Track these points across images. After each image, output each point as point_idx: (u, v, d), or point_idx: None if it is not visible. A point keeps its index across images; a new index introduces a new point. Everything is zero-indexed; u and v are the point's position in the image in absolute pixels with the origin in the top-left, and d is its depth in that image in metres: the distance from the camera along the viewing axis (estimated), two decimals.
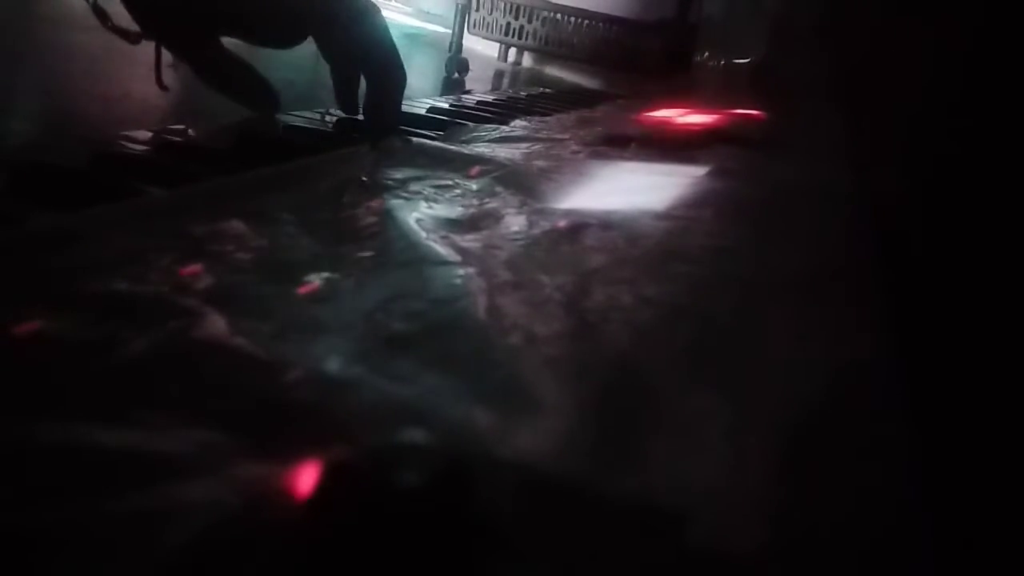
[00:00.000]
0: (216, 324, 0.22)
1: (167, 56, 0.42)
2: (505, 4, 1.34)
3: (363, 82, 0.46)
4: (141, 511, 0.15)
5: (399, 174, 0.39)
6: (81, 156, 0.35)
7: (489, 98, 0.74)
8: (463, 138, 0.51)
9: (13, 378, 0.19)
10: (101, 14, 0.39)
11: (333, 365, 0.21)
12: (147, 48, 0.42)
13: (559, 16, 1.29)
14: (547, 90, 0.94)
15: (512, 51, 1.48)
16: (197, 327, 0.22)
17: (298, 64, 0.44)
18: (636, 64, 1.22)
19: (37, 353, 0.20)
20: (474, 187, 0.39)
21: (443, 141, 0.48)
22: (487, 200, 0.37)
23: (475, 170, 0.41)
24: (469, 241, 0.31)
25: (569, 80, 1.35)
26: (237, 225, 0.29)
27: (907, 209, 0.45)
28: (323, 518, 0.16)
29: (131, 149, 0.39)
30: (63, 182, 0.32)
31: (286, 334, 0.22)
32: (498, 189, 0.39)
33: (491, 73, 1.39)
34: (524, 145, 0.51)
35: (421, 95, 0.71)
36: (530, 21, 1.33)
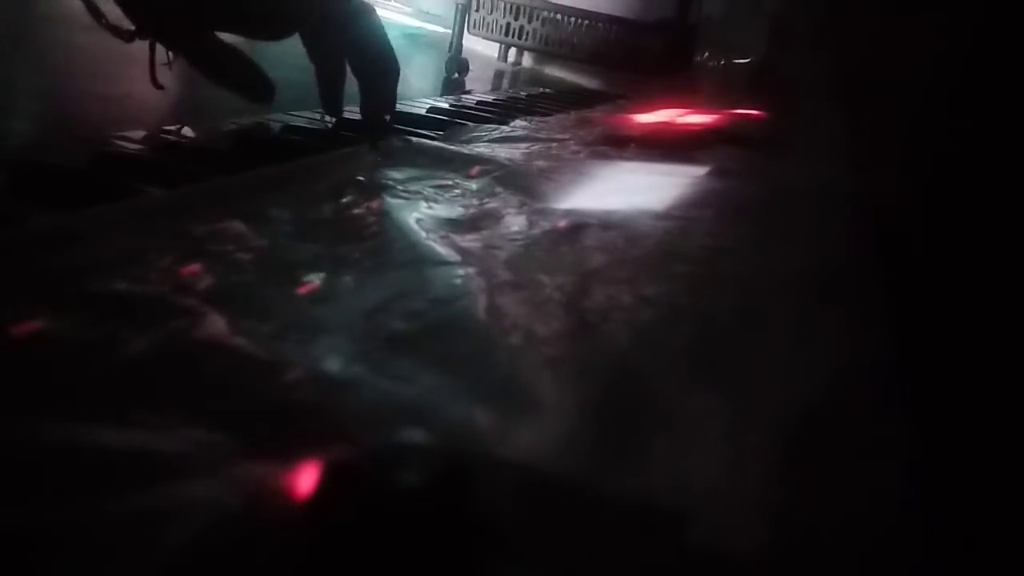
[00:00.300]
0: (216, 324, 0.22)
1: (161, 55, 0.42)
2: (505, 4, 1.34)
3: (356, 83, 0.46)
4: (141, 511, 0.15)
5: (399, 174, 0.39)
6: (81, 156, 0.35)
7: (489, 98, 0.74)
8: (463, 138, 0.51)
9: (13, 378, 0.19)
10: (95, 12, 0.39)
11: (333, 365, 0.21)
12: (147, 48, 0.42)
13: (559, 16, 1.29)
14: (547, 90, 0.94)
15: (512, 51, 1.48)
16: (197, 327, 0.22)
17: (299, 64, 0.44)
18: (636, 64, 1.21)
19: (37, 353, 0.20)
20: (474, 187, 0.39)
21: (443, 141, 0.48)
22: (487, 200, 0.37)
23: (475, 170, 0.41)
24: (469, 241, 0.31)
25: (569, 80, 1.35)
26: (237, 225, 0.29)
27: (907, 209, 0.45)
28: (323, 518, 0.16)
29: (131, 149, 0.39)
30: (63, 182, 0.32)
31: (286, 334, 0.22)
32: (498, 189, 0.39)
33: (491, 73, 1.39)
34: (524, 145, 0.51)
35: (421, 95, 0.71)
36: (530, 21, 1.32)
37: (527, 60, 1.51)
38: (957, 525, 0.20)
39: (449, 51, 1.21)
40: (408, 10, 1.72)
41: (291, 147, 0.42)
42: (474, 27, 1.38)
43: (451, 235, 0.32)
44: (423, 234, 0.31)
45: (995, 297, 0.31)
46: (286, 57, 0.46)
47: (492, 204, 0.37)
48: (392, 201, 0.35)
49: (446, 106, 0.64)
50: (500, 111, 0.65)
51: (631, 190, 0.45)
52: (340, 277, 0.27)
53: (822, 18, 0.97)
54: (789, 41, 1.04)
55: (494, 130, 0.55)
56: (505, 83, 1.35)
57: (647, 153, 0.54)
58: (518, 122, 0.60)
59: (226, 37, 0.43)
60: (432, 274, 0.28)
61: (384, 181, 0.38)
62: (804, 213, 0.44)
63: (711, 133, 0.63)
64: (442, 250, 0.30)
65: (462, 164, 0.42)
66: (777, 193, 0.47)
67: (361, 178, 0.37)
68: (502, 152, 0.47)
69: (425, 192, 0.37)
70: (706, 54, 1.24)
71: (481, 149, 0.48)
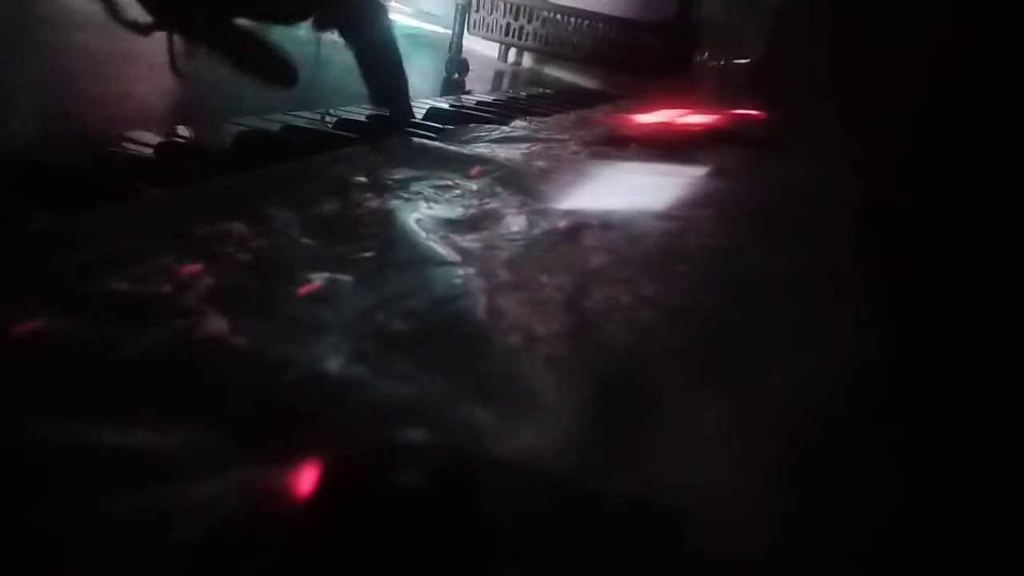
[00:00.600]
0: (216, 324, 0.22)
1: (178, 45, 0.42)
2: (505, 4, 1.34)
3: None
4: (141, 511, 0.15)
5: (399, 174, 0.39)
6: (81, 156, 0.35)
7: (489, 98, 0.74)
8: (463, 138, 0.51)
9: (14, 378, 0.19)
10: (112, 7, 0.39)
11: (333, 365, 0.21)
12: (147, 48, 0.42)
13: (559, 16, 1.29)
14: (547, 90, 0.94)
15: (512, 51, 1.48)
16: (197, 327, 0.22)
17: (299, 63, 0.43)
18: (636, 64, 1.21)
19: (38, 353, 0.20)
20: (474, 187, 0.39)
21: (443, 141, 0.48)
22: (487, 200, 0.37)
23: (475, 170, 0.41)
24: (469, 241, 0.31)
25: (569, 80, 1.35)
26: (237, 225, 0.29)
27: (907, 209, 0.45)
28: (323, 518, 0.16)
29: (131, 149, 0.39)
30: (63, 182, 0.32)
31: (286, 334, 0.22)
32: (498, 189, 0.39)
33: (491, 73, 1.39)
34: (524, 145, 0.51)
35: (421, 95, 0.71)
36: (530, 21, 1.32)
37: (527, 60, 1.51)
38: (956, 525, 0.20)
39: (449, 51, 1.21)
40: (408, 10, 1.72)
41: (291, 147, 0.42)
42: (474, 27, 1.37)
43: (451, 235, 0.32)
44: (423, 234, 0.31)
45: (995, 296, 0.31)
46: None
47: (492, 204, 0.37)
48: (392, 201, 0.35)
49: (446, 106, 0.64)
50: (500, 111, 0.65)
51: (631, 190, 0.45)
52: (340, 277, 0.27)
53: (822, 18, 0.97)
54: (789, 41, 1.04)
55: (494, 130, 0.55)
56: (505, 83, 1.35)
57: (647, 153, 0.54)
58: (518, 122, 0.60)
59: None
60: (432, 274, 0.28)
61: (384, 181, 0.38)
62: (804, 213, 0.44)
63: (711, 133, 0.63)
64: (442, 250, 0.30)
65: (462, 164, 0.42)
66: (777, 193, 0.47)
67: (361, 178, 0.37)
68: (502, 152, 0.47)
69: (425, 192, 0.37)
70: (706, 54, 1.24)
71: (481, 149, 0.48)
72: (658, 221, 0.38)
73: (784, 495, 0.19)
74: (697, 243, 0.36)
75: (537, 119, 0.63)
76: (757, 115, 0.76)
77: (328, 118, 0.52)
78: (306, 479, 0.16)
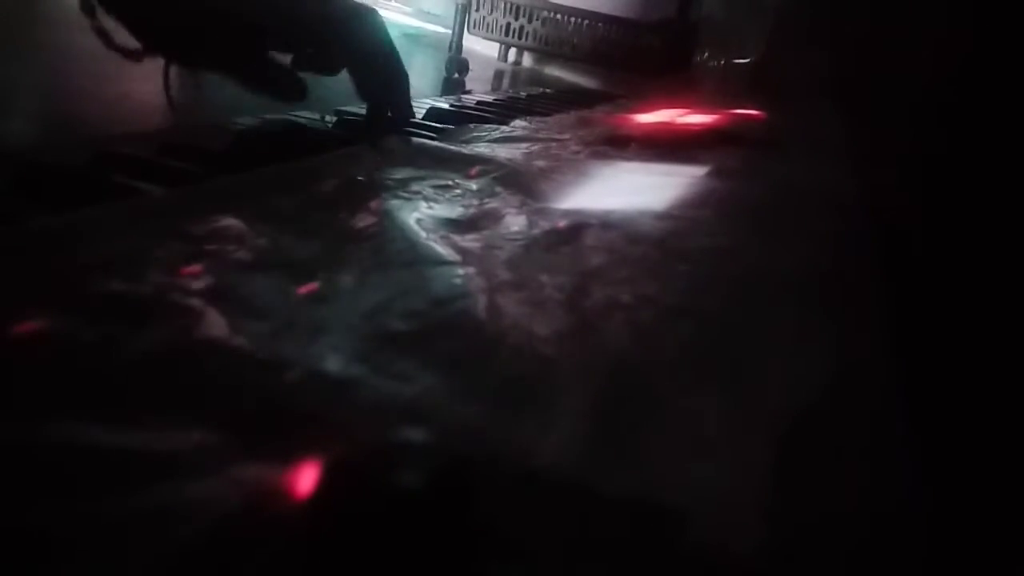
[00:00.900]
0: (216, 324, 0.22)
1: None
2: (505, 4, 1.34)
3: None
4: (141, 511, 0.15)
5: (399, 174, 0.39)
6: (81, 156, 0.35)
7: (489, 98, 0.74)
8: (463, 138, 0.51)
9: (14, 378, 0.19)
10: (102, 34, 0.39)
11: (333, 365, 0.21)
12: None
13: (559, 16, 1.29)
14: (547, 90, 0.94)
15: (512, 51, 1.48)
16: (197, 327, 0.22)
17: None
18: (636, 64, 1.21)
19: (37, 353, 0.20)
20: (474, 187, 0.39)
21: (443, 141, 0.48)
22: (487, 200, 0.37)
23: (475, 170, 0.41)
24: (469, 241, 0.31)
25: (569, 80, 1.35)
26: (237, 225, 0.29)
27: (907, 209, 0.45)
28: (323, 518, 0.16)
29: (131, 149, 0.39)
30: (63, 182, 0.32)
31: (286, 334, 0.22)
32: (498, 189, 0.39)
33: (491, 73, 1.39)
34: (524, 145, 0.51)
35: (421, 95, 0.71)
36: (530, 21, 1.32)
37: (527, 60, 1.51)
38: (957, 525, 0.20)
39: (449, 51, 1.21)
40: (408, 10, 1.72)
41: (291, 147, 0.42)
42: (474, 27, 1.37)
43: (451, 235, 0.32)
44: (423, 234, 0.31)
45: (994, 296, 0.31)
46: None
47: (492, 204, 0.37)
48: (392, 201, 0.35)
49: (446, 106, 0.64)
50: (500, 111, 0.65)
51: (631, 190, 0.45)
52: (340, 277, 0.27)
53: (822, 18, 0.97)
54: (789, 41, 1.04)
55: (494, 130, 0.55)
56: (505, 83, 1.35)
57: (647, 153, 0.54)
58: (518, 122, 0.60)
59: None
60: (432, 274, 0.28)
61: (384, 181, 0.38)
62: (804, 213, 0.44)
63: (711, 133, 0.63)
64: (442, 250, 0.30)
65: (462, 164, 0.42)
66: (777, 193, 0.47)
67: (361, 178, 0.37)
68: (502, 152, 0.47)
69: (425, 192, 0.37)
70: (706, 54, 1.24)
71: (481, 149, 0.48)
72: (658, 220, 0.38)
73: (784, 495, 0.19)
74: (697, 243, 0.36)
75: (537, 119, 0.63)
76: (757, 115, 0.76)
77: (328, 117, 0.52)
78: (306, 479, 0.16)
